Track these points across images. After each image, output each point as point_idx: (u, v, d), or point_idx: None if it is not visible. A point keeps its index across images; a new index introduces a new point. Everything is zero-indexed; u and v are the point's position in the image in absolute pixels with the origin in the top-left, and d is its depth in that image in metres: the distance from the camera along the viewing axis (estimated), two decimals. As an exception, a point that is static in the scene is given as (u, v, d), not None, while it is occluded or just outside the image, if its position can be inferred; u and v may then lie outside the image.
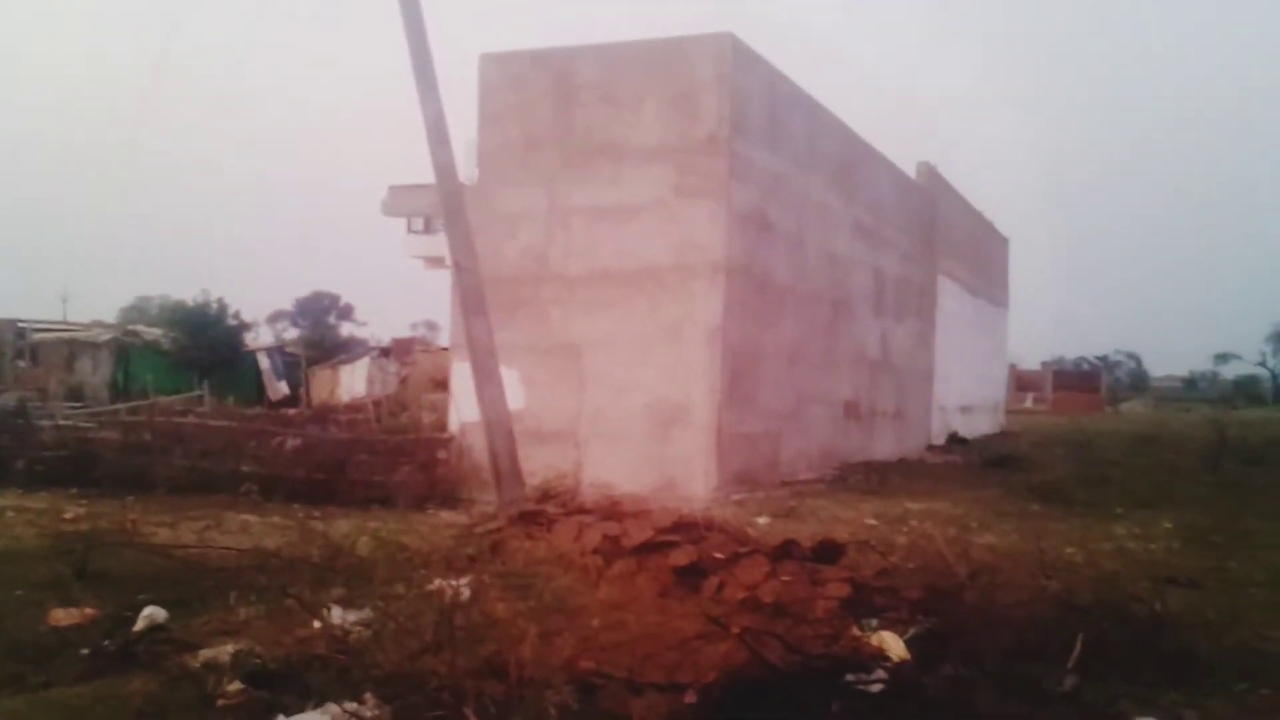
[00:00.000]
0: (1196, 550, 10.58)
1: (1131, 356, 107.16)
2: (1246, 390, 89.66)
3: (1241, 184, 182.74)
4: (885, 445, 22.75)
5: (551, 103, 16.58)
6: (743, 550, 7.00)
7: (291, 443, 15.11)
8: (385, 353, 42.03)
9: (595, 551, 7.24)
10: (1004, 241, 37.88)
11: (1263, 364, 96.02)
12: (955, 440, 27.79)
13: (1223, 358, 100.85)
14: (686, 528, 7.66)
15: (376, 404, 27.45)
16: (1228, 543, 11.08)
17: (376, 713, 4.32)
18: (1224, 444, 21.58)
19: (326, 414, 24.34)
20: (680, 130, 15.84)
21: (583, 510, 9.04)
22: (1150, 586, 7.80)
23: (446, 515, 12.29)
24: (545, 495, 11.44)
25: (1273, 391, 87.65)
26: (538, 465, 13.12)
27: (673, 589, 6.52)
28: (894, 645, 5.87)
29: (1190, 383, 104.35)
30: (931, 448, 25.93)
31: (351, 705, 4.44)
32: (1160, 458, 22.81)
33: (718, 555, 6.89)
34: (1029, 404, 63.63)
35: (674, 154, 15.80)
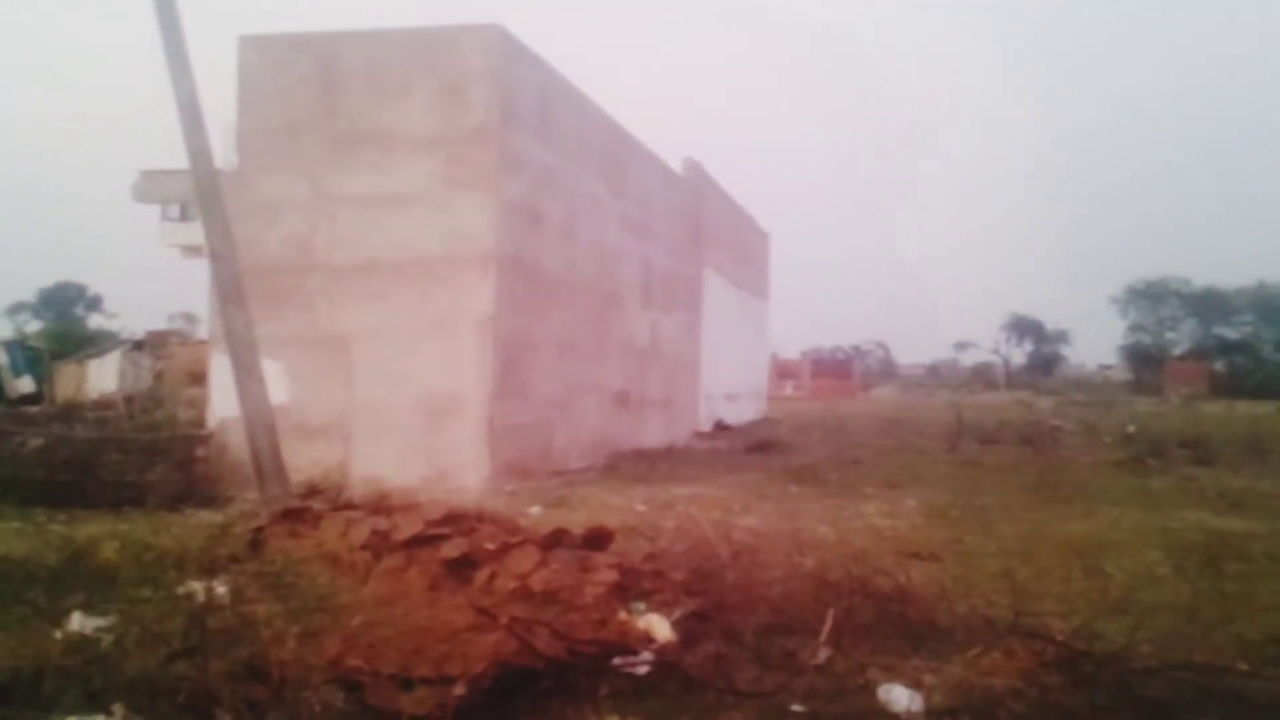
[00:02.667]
0: (937, 525, 11.27)
1: (881, 345, 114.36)
2: (982, 376, 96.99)
3: (980, 183, 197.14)
4: (655, 433, 23.26)
5: (315, 88, 16.04)
6: (513, 540, 6.99)
7: (33, 442, 14.10)
8: (139, 346, 39.61)
9: (363, 547, 7.08)
10: (765, 236, 39.35)
11: (996, 351, 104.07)
12: (721, 426, 28.69)
13: (962, 346, 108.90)
14: (457, 520, 7.61)
15: (128, 400, 25.95)
16: (964, 517, 11.90)
17: (126, 724, 4.11)
18: (962, 426, 23.36)
19: (72, 411, 22.89)
20: (449, 120, 15.66)
21: (350, 505, 8.87)
22: (895, 561, 8.35)
23: (204, 515, 11.73)
24: (311, 491, 11.15)
25: (1005, 376, 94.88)
26: (305, 460, 12.76)
27: (443, 582, 6.45)
28: (660, 627, 6.03)
29: (933, 369, 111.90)
30: (698, 434, 26.66)
31: (98, 718, 4.21)
32: (906, 440, 24.40)
33: (489, 546, 6.86)
34: (789, 391, 66.46)
35: (443, 144, 15.60)
